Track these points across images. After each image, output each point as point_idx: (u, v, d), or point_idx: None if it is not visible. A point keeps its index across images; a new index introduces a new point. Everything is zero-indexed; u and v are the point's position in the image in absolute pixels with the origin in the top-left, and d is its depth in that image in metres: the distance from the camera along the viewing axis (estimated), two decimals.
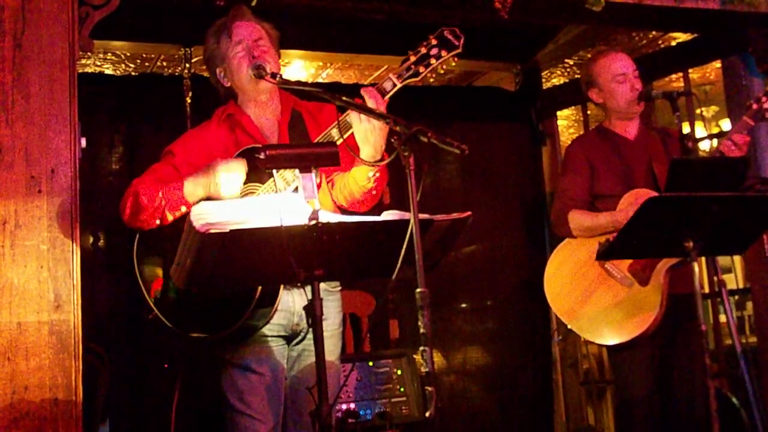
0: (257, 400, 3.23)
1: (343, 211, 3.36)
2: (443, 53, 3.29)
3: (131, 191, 3.28)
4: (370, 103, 3.16)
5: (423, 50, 3.30)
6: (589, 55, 6.30)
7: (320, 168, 3.21)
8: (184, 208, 3.19)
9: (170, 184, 3.22)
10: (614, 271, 4.07)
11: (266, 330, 3.25)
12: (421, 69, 3.29)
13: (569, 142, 4.64)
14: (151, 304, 3.27)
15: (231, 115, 3.45)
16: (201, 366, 4.72)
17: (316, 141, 3.27)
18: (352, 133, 3.19)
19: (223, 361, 3.30)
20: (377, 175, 3.25)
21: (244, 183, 3.23)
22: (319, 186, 3.36)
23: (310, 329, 3.29)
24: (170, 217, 3.20)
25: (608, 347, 4.25)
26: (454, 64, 3.36)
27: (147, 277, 3.30)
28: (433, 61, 3.29)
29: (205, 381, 4.76)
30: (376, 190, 3.34)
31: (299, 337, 3.36)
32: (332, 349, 3.36)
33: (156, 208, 3.20)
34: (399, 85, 3.27)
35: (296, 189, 3.12)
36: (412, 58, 3.29)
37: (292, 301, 3.29)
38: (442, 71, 3.36)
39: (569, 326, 4.14)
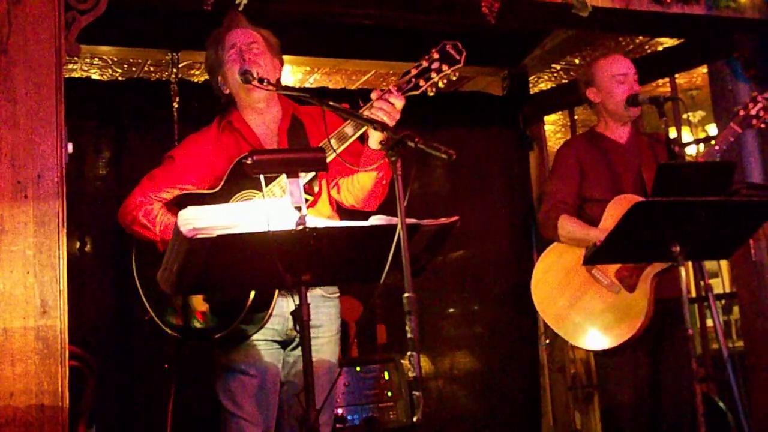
0: (249, 402, 3.23)
1: (354, 215, 3.35)
2: (444, 67, 3.30)
3: (131, 209, 3.32)
4: (397, 104, 3.21)
5: (425, 63, 3.30)
6: (576, 60, 6.35)
7: (320, 174, 3.25)
8: None
9: (168, 221, 3.23)
10: (601, 276, 4.07)
11: (260, 334, 3.25)
12: (422, 82, 3.29)
13: (559, 146, 4.63)
14: (147, 306, 3.28)
15: (230, 122, 3.45)
16: (197, 368, 4.72)
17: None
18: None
19: (217, 364, 3.31)
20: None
21: (243, 189, 3.24)
22: (319, 194, 3.38)
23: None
24: (161, 248, 3.23)
25: (595, 352, 4.25)
26: (454, 78, 3.37)
27: (145, 278, 3.30)
28: (433, 75, 3.29)
29: (200, 383, 4.77)
30: (386, 179, 3.34)
31: (295, 343, 3.35)
32: (330, 355, 3.36)
33: (150, 240, 3.26)
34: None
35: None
36: (413, 72, 3.29)
37: (286, 307, 3.27)
38: (442, 85, 3.35)
39: (556, 331, 4.14)
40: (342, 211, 3.52)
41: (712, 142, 4.19)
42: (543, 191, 4.46)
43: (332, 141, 3.21)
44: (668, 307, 3.99)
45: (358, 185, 3.40)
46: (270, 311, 3.18)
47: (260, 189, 3.20)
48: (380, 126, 2.76)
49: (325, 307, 3.36)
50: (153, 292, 3.26)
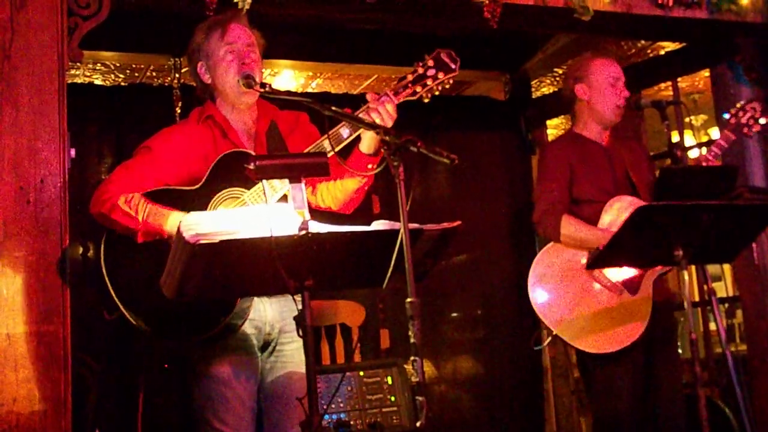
0: (232, 415, 3.18)
1: (329, 218, 3.34)
2: (440, 75, 3.33)
3: (107, 197, 3.18)
4: (388, 107, 3.22)
5: (420, 70, 3.33)
6: None
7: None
8: (158, 237, 3.12)
9: (152, 209, 3.13)
10: (603, 279, 4.04)
11: (240, 342, 3.21)
12: (418, 89, 3.33)
13: (546, 145, 4.60)
14: (118, 303, 3.13)
15: (210, 116, 3.41)
16: (170, 375, 4.72)
17: (306, 150, 3.26)
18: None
19: (198, 374, 3.24)
20: (374, 166, 3.27)
21: (226, 187, 3.21)
22: None
23: (280, 340, 3.30)
24: (140, 240, 3.12)
25: (591, 360, 4.16)
26: (448, 86, 3.39)
27: (115, 272, 3.17)
28: (429, 81, 3.33)
29: (175, 390, 4.77)
30: (368, 184, 3.37)
31: (270, 348, 3.32)
32: (301, 361, 3.27)
33: (130, 230, 3.12)
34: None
35: (284, 196, 3.12)
36: (410, 77, 3.33)
37: (263, 310, 3.26)
38: (437, 93, 3.37)
39: (558, 333, 4.03)
40: (313, 214, 3.50)
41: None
42: (535, 192, 4.38)
43: (325, 143, 3.21)
44: (658, 311, 3.99)
45: (340, 188, 3.39)
46: (251, 302, 3.16)
47: (246, 187, 3.20)
48: (382, 130, 2.75)
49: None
50: (125, 287, 3.16)
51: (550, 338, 4.11)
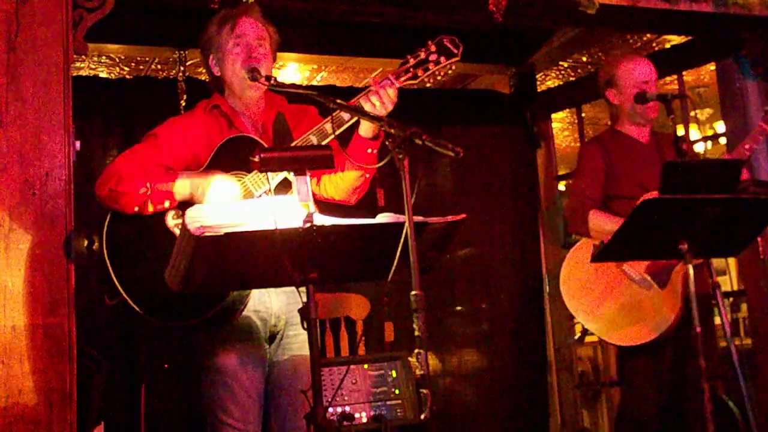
0: (238, 407, 3.19)
1: (334, 209, 3.34)
2: (442, 60, 3.34)
3: (114, 173, 3.23)
4: (389, 91, 3.24)
5: (422, 55, 3.34)
6: (584, 58, 6.34)
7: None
8: (167, 203, 3.18)
9: (159, 175, 3.19)
10: (632, 272, 4.06)
11: (246, 333, 3.22)
12: (420, 72, 3.33)
13: (566, 143, 4.64)
14: (119, 286, 3.16)
15: (217, 106, 3.43)
16: (173, 367, 4.72)
17: (308, 134, 3.26)
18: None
19: (204, 366, 3.26)
20: (375, 152, 3.28)
21: (230, 171, 3.23)
22: None
23: (287, 332, 3.30)
24: (151, 209, 3.17)
25: (621, 354, 4.20)
26: (450, 72, 3.39)
27: (117, 257, 3.21)
28: (431, 66, 3.33)
29: (179, 383, 4.77)
30: (369, 173, 3.38)
31: (277, 339, 3.33)
32: (307, 353, 3.25)
33: (139, 196, 3.16)
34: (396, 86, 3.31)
35: (286, 181, 3.12)
36: (412, 61, 3.33)
37: (269, 301, 3.27)
38: (439, 77, 3.38)
39: (586, 326, 4.13)
40: (317, 205, 3.51)
41: (722, 141, 4.19)
42: (570, 186, 4.44)
43: (327, 126, 3.22)
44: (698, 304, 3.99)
45: (341, 176, 3.42)
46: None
47: (247, 171, 3.21)
48: (387, 123, 2.74)
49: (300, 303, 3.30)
50: (126, 271, 3.18)
51: (576, 336, 4.16)
